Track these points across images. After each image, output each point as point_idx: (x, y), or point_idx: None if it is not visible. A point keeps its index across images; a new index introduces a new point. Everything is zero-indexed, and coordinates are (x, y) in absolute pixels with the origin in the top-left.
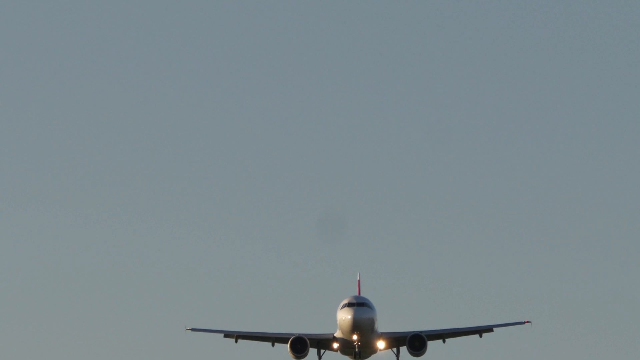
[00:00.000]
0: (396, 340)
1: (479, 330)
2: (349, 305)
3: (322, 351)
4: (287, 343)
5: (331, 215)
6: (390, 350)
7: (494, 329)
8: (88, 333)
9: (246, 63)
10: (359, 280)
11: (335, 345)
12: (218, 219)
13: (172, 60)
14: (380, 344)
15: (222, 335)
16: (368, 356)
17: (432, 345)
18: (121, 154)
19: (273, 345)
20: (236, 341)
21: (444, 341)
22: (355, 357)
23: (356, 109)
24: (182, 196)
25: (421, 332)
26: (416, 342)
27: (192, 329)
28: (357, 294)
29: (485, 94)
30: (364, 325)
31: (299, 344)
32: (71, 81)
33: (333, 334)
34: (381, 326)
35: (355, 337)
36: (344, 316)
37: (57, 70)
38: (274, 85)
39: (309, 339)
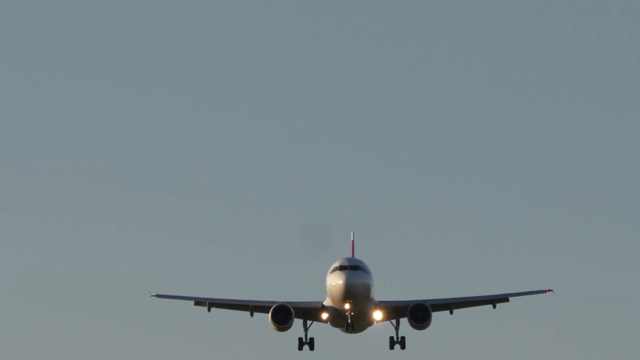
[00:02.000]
0: (395, 311)
1: (493, 300)
2: (341, 268)
3: (309, 322)
4: (268, 312)
5: (315, 225)
6: (388, 322)
7: (510, 298)
8: (48, 299)
9: (233, 64)
10: (352, 240)
11: (325, 315)
12: (187, 175)
13: (156, 65)
14: (377, 315)
15: (193, 303)
16: (363, 328)
17: (437, 316)
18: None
19: (252, 315)
20: (209, 310)
21: (451, 312)
22: (347, 330)
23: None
24: (149, 156)
25: (425, 301)
26: (419, 312)
27: (157, 295)
28: (350, 257)
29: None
30: (357, 292)
31: (282, 314)
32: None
33: (322, 302)
34: (378, 294)
35: (347, 305)
36: (335, 281)
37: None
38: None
39: (293, 308)
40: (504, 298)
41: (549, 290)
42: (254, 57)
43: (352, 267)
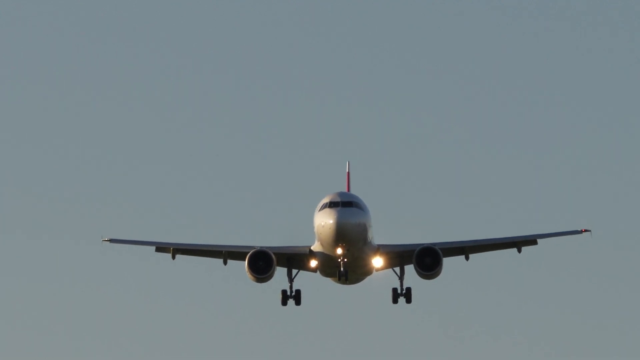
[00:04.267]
0: (399, 257)
1: (517, 243)
2: (331, 205)
3: (294, 272)
4: (244, 260)
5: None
6: (390, 270)
7: (539, 240)
8: None
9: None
10: (348, 172)
11: (313, 262)
12: (148, 94)
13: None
14: (377, 262)
15: (154, 249)
16: (359, 279)
17: (449, 263)
18: None
19: (225, 263)
20: (173, 257)
21: (466, 258)
22: (340, 279)
23: None
24: (108, 94)
25: (435, 244)
26: (427, 257)
27: (111, 240)
28: (343, 191)
29: None
30: (351, 233)
31: (262, 261)
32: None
33: (309, 247)
34: (378, 237)
35: (339, 250)
36: (324, 220)
37: None
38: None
39: (275, 254)
40: (531, 240)
41: (586, 231)
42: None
43: (344, 204)
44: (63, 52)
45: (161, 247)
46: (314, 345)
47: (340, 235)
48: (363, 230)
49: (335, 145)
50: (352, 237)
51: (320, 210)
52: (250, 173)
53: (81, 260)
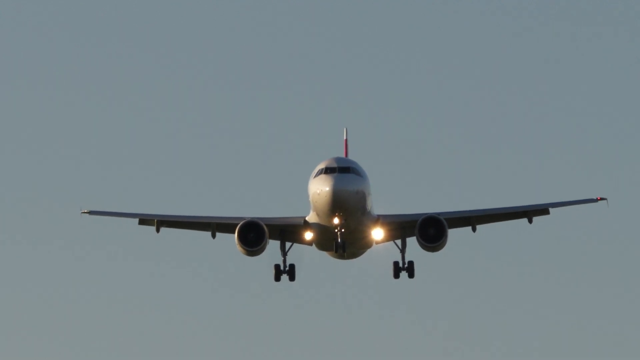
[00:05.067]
0: (400, 227)
1: (528, 212)
2: (327, 171)
3: (288, 245)
4: (234, 232)
5: None
6: (392, 242)
7: (551, 210)
8: None
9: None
10: (345, 140)
11: (308, 234)
12: (131, 55)
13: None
14: (377, 233)
15: (137, 221)
16: (358, 252)
17: (455, 235)
18: None
19: (214, 236)
20: (158, 230)
21: (473, 229)
22: (337, 252)
23: None
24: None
25: (439, 214)
26: (431, 228)
27: (90, 212)
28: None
29: None
30: (349, 201)
31: (253, 233)
32: None
33: (304, 217)
34: (378, 207)
35: (336, 220)
36: (319, 187)
37: None
38: None
39: (267, 225)
40: (542, 209)
41: (602, 199)
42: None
43: (341, 169)
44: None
45: (144, 219)
46: (309, 324)
47: (337, 203)
48: (362, 198)
49: (332, 111)
50: (350, 205)
51: (315, 176)
52: (242, 141)
53: (58, 234)
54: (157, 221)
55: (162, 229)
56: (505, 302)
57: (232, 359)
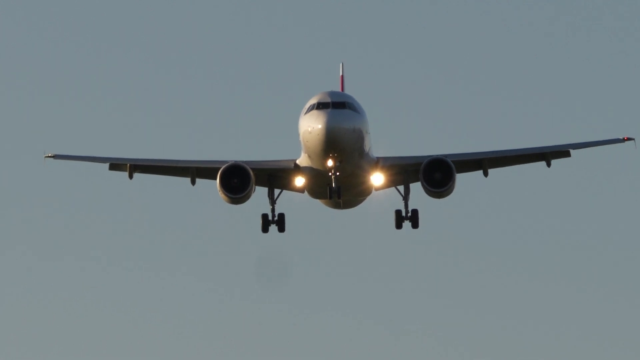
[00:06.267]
0: (403, 171)
1: (546, 154)
2: (319, 106)
3: (276, 192)
4: (216, 178)
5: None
6: (393, 189)
7: (572, 151)
8: None
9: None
10: (342, 76)
11: (299, 180)
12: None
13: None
14: (376, 178)
15: (108, 166)
16: (355, 200)
17: (464, 179)
18: None
19: (193, 182)
20: (131, 176)
21: (485, 173)
22: (331, 198)
23: None
24: None
25: (446, 156)
26: (437, 172)
27: (55, 156)
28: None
29: None
30: (344, 140)
31: (237, 178)
32: None
33: (294, 160)
34: (378, 149)
35: (330, 162)
36: (311, 124)
37: None
38: None
39: (253, 169)
40: (562, 151)
41: (629, 139)
42: None
43: (336, 104)
44: None
45: (116, 164)
46: (300, 281)
47: (331, 142)
48: (359, 137)
49: (327, 45)
50: (345, 145)
51: (306, 113)
52: (226, 77)
53: (18, 180)
54: (130, 166)
55: (136, 175)
56: (519, 254)
57: (211, 321)
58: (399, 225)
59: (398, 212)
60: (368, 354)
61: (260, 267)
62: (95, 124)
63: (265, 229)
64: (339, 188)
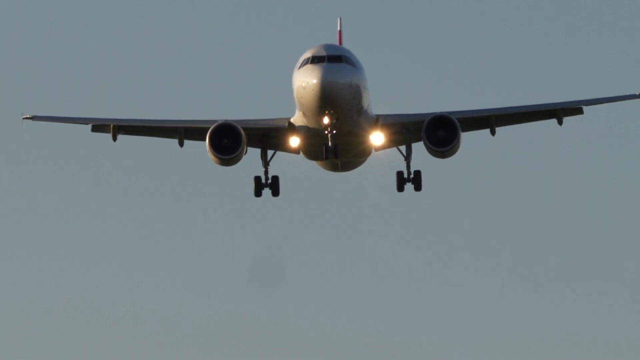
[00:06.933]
0: (405, 130)
1: (558, 111)
2: (314, 60)
3: (270, 153)
4: (205, 139)
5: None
6: (395, 149)
7: (585, 108)
8: None
9: None
10: (339, 31)
11: (294, 140)
12: None
13: None
14: (376, 138)
15: (90, 127)
16: (354, 162)
17: (470, 138)
18: None
19: (181, 143)
20: (115, 137)
21: (492, 131)
22: (327, 159)
23: None
24: None
25: (451, 113)
26: (441, 129)
27: (33, 118)
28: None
29: None
30: (341, 96)
31: (227, 138)
32: None
33: (289, 119)
34: (378, 107)
35: (326, 120)
36: (306, 79)
37: None
38: None
39: (245, 129)
40: (575, 108)
41: None
42: None
43: (331, 58)
44: None
45: (99, 125)
46: (295, 248)
47: (327, 99)
48: (356, 92)
49: None
50: (342, 101)
51: (300, 67)
52: (218, 29)
53: None
54: (114, 127)
55: (120, 137)
56: (527, 218)
57: (200, 288)
58: (400, 188)
59: (399, 173)
60: (367, 323)
61: (254, 272)
62: (77, 82)
63: (258, 192)
64: (336, 147)
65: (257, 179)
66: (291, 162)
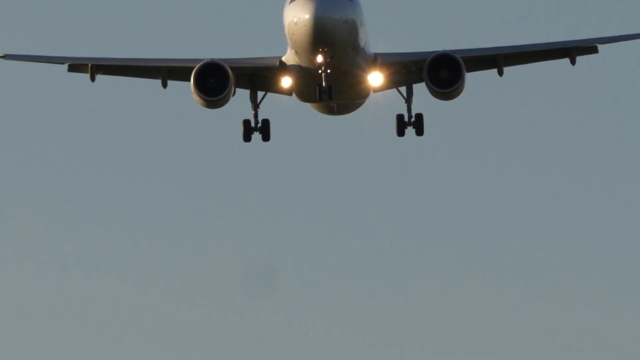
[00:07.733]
0: (405, 70)
1: (571, 50)
2: None
3: (260, 94)
4: (190, 79)
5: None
6: (394, 90)
7: (600, 47)
8: None
9: None
10: None
11: (286, 80)
12: None
13: None
14: (374, 78)
15: (66, 67)
16: (351, 104)
17: (475, 79)
18: None
19: (164, 84)
20: (93, 78)
21: (500, 72)
22: (321, 99)
23: None
24: None
25: (454, 51)
26: (443, 69)
27: (5, 56)
28: None
29: None
30: (336, 32)
31: (214, 78)
32: None
33: (280, 58)
34: (376, 46)
35: (320, 58)
36: (297, 14)
37: None
38: None
39: (233, 68)
40: (588, 47)
41: None
42: None
43: None
44: None
45: (76, 65)
46: (287, 197)
47: (320, 35)
48: (352, 28)
49: None
50: (336, 38)
51: (291, 1)
52: None
53: None
54: (92, 66)
55: (99, 77)
56: (537, 164)
57: (182, 243)
58: (400, 132)
59: (400, 117)
60: (366, 276)
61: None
62: (52, 18)
63: (247, 137)
64: (330, 88)
65: (246, 123)
66: (283, 104)
